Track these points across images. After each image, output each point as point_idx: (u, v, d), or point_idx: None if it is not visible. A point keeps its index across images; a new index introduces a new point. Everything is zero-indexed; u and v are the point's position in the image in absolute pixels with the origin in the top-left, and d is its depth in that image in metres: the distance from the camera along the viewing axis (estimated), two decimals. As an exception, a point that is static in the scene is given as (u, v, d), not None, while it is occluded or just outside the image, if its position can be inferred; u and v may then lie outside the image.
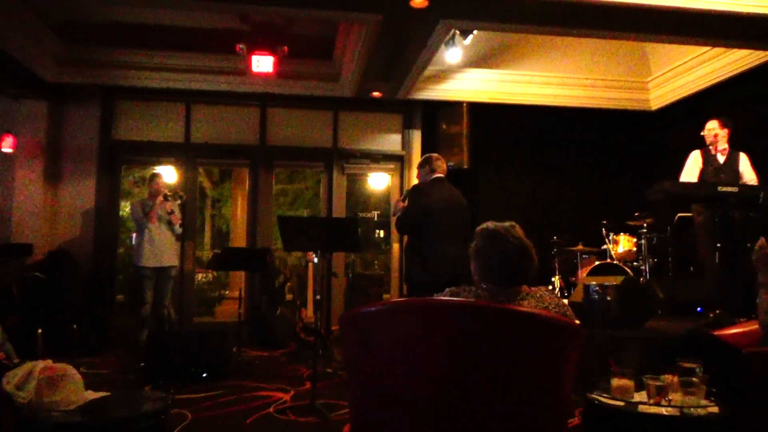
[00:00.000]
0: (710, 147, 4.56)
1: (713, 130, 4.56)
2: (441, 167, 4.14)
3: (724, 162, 4.58)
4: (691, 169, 4.66)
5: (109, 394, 2.58)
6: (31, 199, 6.11)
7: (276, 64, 5.77)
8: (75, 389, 2.46)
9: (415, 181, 4.55)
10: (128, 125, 6.63)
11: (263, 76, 5.93)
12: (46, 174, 6.20)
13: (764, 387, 1.84)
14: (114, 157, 6.60)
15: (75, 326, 5.46)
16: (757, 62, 5.51)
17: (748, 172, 4.53)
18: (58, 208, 6.32)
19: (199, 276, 9.58)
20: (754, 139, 4.79)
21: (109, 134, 6.54)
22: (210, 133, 6.76)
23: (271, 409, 3.65)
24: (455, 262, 3.82)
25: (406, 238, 4.63)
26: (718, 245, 3.89)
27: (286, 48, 5.74)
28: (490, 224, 2.05)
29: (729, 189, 3.92)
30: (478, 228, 2.08)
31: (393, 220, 4.67)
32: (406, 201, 4.11)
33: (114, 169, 6.63)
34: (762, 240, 2.35)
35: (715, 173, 4.51)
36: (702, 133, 4.62)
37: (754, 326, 2.63)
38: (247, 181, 7.15)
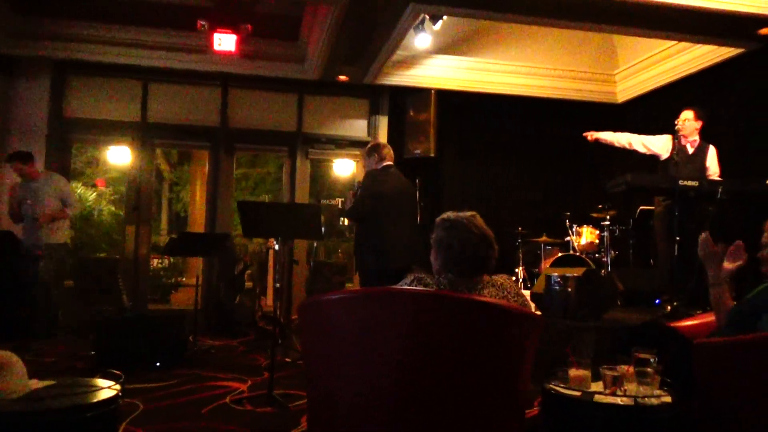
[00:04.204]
0: (680, 136, 4.60)
1: (687, 120, 4.59)
2: (389, 155, 4.23)
3: (693, 153, 4.62)
4: (657, 144, 4.74)
5: (54, 382, 2.44)
6: (-25, 177, 5.80)
7: (239, 43, 5.61)
8: (18, 378, 2.32)
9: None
10: (81, 102, 6.33)
11: (225, 55, 5.76)
12: (-9, 151, 5.89)
13: (711, 375, 1.88)
14: (65, 135, 6.32)
15: (21, 311, 5.22)
16: (721, 58, 5.63)
17: (713, 166, 4.59)
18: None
19: (155, 262, 9.32)
20: (716, 133, 4.89)
21: (60, 111, 6.24)
22: (168, 113, 6.52)
23: (227, 399, 3.54)
24: (408, 249, 3.95)
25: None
26: (678, 238, 3.94)
27: (249, 26, 5.59)
28: (451, 214, 2.03)
29: (689, 183, 3.97)
30: (438, 218, 2.05)
31: (344, 210, 4.72)
32: (358, 190, 4.12)
33: (65, 147, 6.37)
34: (704, 234, 2.34)
35: (682, 163, 4.51)
36: (675, 122, 4.63)
37: (709, 318, 2.67)
38: (207, 164, 6.95)
